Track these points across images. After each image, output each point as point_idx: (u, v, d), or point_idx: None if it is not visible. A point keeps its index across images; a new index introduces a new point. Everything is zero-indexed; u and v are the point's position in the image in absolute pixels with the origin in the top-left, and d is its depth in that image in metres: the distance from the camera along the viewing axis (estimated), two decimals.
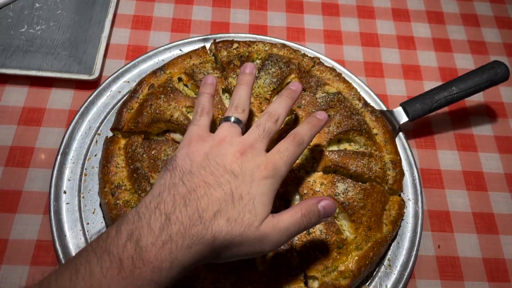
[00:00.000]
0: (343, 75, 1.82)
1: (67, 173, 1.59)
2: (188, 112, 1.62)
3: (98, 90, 1.75)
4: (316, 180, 1.52)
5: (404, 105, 1.76)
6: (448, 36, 2.12)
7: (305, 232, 1.45)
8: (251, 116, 1.63)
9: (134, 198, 1.46)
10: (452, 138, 1.85)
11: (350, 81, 1.81)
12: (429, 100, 1.72)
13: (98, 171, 1.56)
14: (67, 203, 1.54)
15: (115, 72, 1.79)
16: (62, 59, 1.79)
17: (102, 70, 1.85)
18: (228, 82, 1.67)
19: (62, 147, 1.62)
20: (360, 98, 1.75)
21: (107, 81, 1.77)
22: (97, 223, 1.53)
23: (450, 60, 2.05)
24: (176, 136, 1.59)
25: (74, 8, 1.94)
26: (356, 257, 1.45)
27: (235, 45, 1.79)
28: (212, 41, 1.87)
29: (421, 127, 1.87)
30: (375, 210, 1.51)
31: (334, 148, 1.64)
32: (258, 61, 1.77)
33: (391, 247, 1.59)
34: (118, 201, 1.45)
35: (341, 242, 1.44)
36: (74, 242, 1.48)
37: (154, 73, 1.72)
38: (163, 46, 1.89)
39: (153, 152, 1.50)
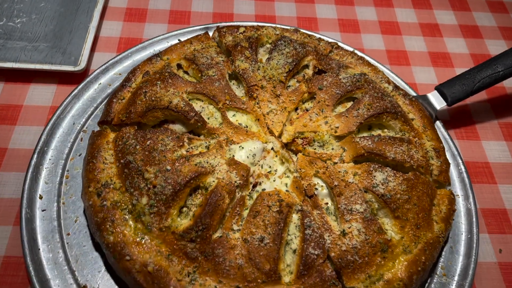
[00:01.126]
0: (366, 58, 1.59)
1: (44, 175, 1.31)
2: (190, 99, 1.36)
3: (84, 82, 1.50)
4: (348, 170, 1.25)
5: (440, 88, 1.51)
6: (475, 23, 1.91)
7: (339, 233, 1.16)
8: (264, 102, 1.38)
9: (125, 198, 1.18)
10: (497, 127, 1.60)
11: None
12: (470, 80, 1.48)
13: (82, 169, 1.29)
14: (43, 210, 1.26)
15: (105, 64, 1.55)
16: (44, 51, 1.56)
17: (90, 62, 1.62)
18: (236, 66, 1.43)
19: (39, 145, 1.35)
20: (389, 81, 1.51)
21: (95, 73, 1.52)
22: (79, 233, 1.24)
23: (482, 46, 1.83)
24: (176, 127, 1.33)
25: (59, 0, 1.73)
26: (405, 262, 1.15)
27: (242, 29, 1.57)
28: (215, 28, 1.64)
29: (458, 116, 1.62)
30: (422, 205, 1.23)
31: (365, 135, 1.37)
32: (268, 45, 1.54)
33: (443, 253, 1.29)
34: (105, 202, 1.17)
35: (385, 244, 1.15)
36: (50, 258, 1.18)
37: (149, 60, 1.48)
38: (159, 36, 1.66)
39: (148, 143, 1.24)
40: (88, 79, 1.51)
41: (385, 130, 1.39)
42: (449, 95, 1.48)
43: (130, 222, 1.15)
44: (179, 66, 1.48)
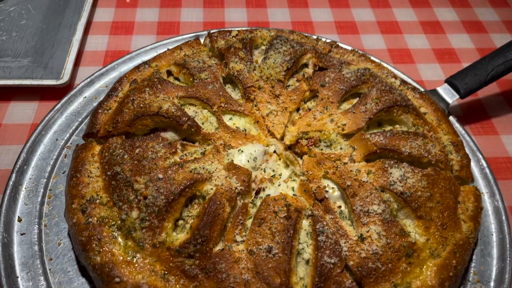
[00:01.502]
0: (368, 55, 1.49)
1: (23, 195, 1.18)
2: (181, 105, 1.25)
3: (67, 96, 1.39)
4: (361, 168, 1.12)
5: (451, 80, 1.41)
6: (478, 18, 1.83)
7: (356, 238, 1.02)
8: (262, 103, 1.27)
9: (113, 213, 1.05)
10: None
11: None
12: (482, 70, 1.38)
13: (65, 185, 1.16)
14: (22, 234, 1.12)
15: (90, 76, 1.45)
16: (24, 67, 1.46)
17: (74, 77, 1.52)
18: (230, 68, 1.33)
19: (18, 164, 1.23)
20: (395, 76, 1.40)
21: (79, 86, 1.42)
22: (63, 258, 1.10)
23: (488, 41, 1.75)
24: (168, 135, 1.21)
25: (41, 17, 1.65)
26: (435, 268, 1.01)
27: (234, 33, 1.47)
28: (206, 35, 1.55)
29: (472, 111, 1.52)
30: (447, 202, 1.09)
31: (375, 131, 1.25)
32: (263, 47, 1.45)
33: (473, 256, 1.15)
34: (90, 219, 1.03)
35: (409, 247, 1.01)
36: (30, 286, 1.03)
37: (137, 68, 1.38)
38: (147, 46, 1.57)
39: (137, 151, 1.11)
40: (72, 92, 1.40)
41: (397, 126, 1.28)
42: (461, 86, 1.37)
43: (120, 240, 1.02)
44: (169, 73, 1.37)
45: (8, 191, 1.17)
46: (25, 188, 1.20)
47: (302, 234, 1.03)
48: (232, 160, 1.13)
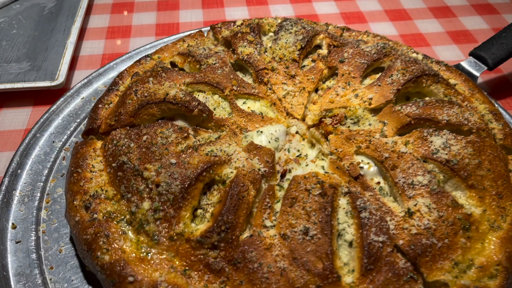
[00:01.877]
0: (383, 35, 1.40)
1: (17, 200, 1.05)
2: (190, 92, 1.13)
3: (64, 97, 1.27)
4: (397, 140, 1.00)
5: (476, 52, 1.31)
6: (487, 1, 1.77)
7: (403, 214, 0.89)
8: (277, 85, 1.16)
9: (122, 207, 0.91)
10: None
11: None
12: (509, 38, 1.28)
13: (65, 183, 1.02)
14: (18, 242, 0.97)
15: (87, 77, 1.34)
16: (15, 72, 1.35)
17: (69, 81, 1.41)
18: (239, 53, 1.22)
19: (11, 168, 1.10)
20: (416, 52, 1.30)
21: (76, 86, 1.31)
22: (65, 265, 0.95)
23: (501, 20, 1.68)
24: (178, 124, 1.08)
25: (33, 25, 1.56)
26: (498, 241, 0.87)
27: (239, 22, 1.38)
28: (208, 30, 1.46)
29: (500, 88, 1.42)
30: (498, 170, 0.97)
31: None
32: (271, 34, 1.35)
33: None
34: (95, 215, 0.90)
35: (465, 220, 0.87)
36: None
37: (138, 61, 1.28)
38: (147, 44, 1.47)
39: (144, 139, 0.99)
40: (68, 93, 1.29)
41: (426, 98, 1.16)
42: (488, 57, 1.28)
43: (130, 235, 0.88)
44: (173, 65, 1.27)
45: (0, 197, 1.03)
46: (20, 193, 1.06)
47: (340, 214, 0.89)
48: (251, 141, 1.01)
